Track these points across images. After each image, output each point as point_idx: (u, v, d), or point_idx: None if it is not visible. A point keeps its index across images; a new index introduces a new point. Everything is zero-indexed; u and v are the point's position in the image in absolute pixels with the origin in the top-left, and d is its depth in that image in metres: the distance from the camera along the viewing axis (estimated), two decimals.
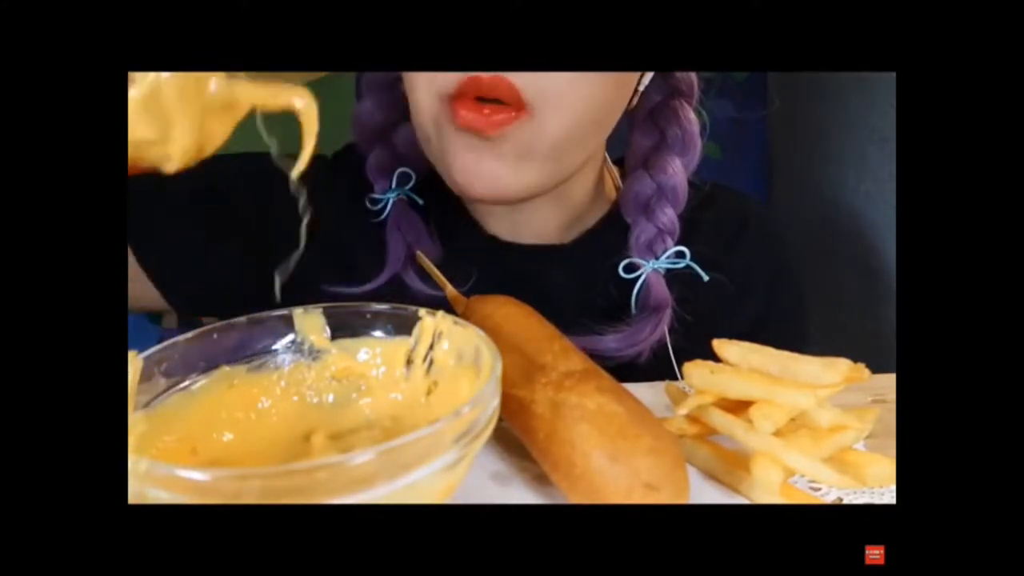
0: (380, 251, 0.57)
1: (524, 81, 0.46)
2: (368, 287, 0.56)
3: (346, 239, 0.59)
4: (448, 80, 0.47)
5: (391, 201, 0.58)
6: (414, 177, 0.59)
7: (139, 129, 0.27)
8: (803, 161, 1.62)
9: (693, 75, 0.59)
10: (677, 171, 0.57)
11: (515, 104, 0.46)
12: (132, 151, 0.28)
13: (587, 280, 0.58)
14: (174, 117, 0.28)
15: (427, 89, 0.49)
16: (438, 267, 0.52)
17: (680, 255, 0.56)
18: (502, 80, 0.45)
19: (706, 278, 0.56)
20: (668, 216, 0.57)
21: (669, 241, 0.57)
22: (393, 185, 0.59)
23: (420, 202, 0.59)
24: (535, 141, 0.48)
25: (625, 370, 0.53)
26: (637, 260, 0.57)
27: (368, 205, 0.59)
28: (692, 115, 0.59)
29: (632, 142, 0.60)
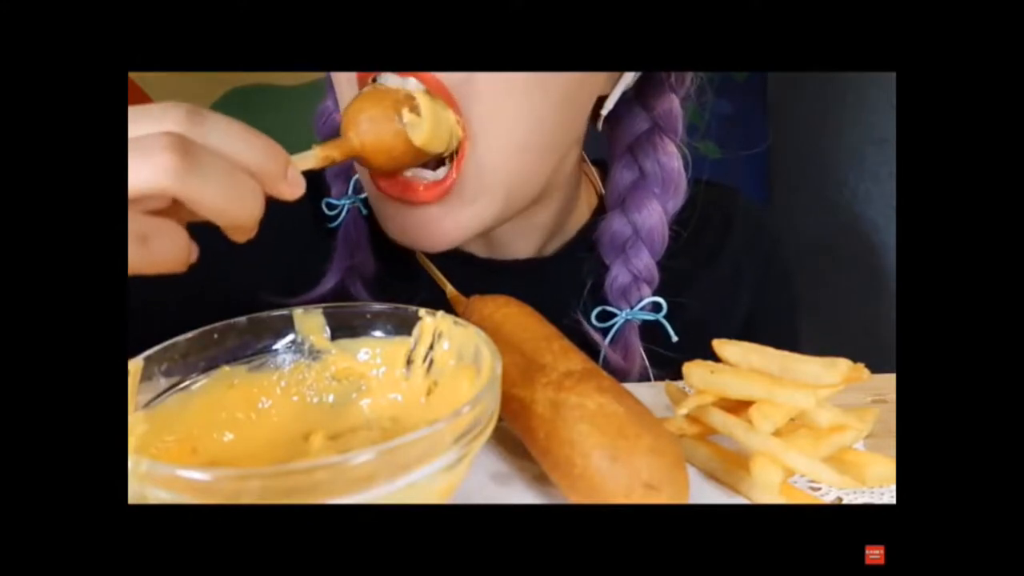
0: (325, 258, 0.55)
1: (456, 95, 0.42)
2: (309, 295, 0.53)
3: (292, 243, 0.56)
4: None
5: (346, 207, 0.55)
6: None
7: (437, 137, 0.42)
8: (803, 161, 1.62)
9: (677, 110, 0.55)
10: (654, 212, 0.54)
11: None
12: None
13: (565, 300, 0.55)
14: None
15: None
16: (379, 281, 0.50)
17: (656, 308, 0.54)
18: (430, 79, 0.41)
19: (675, 339, 0.54)
20: (644, 262, 0.54)
21: (646, 290, 0.54)
22: (350, 192, 0.56)
23: (364, 212, 0.56)
24: (480, 176, 0.44)
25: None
26: (611, 309, 0.54)
27: (325, 210, 0.56)
28: (673, 150, 0.55)
29: (612, 177, 0.57)
